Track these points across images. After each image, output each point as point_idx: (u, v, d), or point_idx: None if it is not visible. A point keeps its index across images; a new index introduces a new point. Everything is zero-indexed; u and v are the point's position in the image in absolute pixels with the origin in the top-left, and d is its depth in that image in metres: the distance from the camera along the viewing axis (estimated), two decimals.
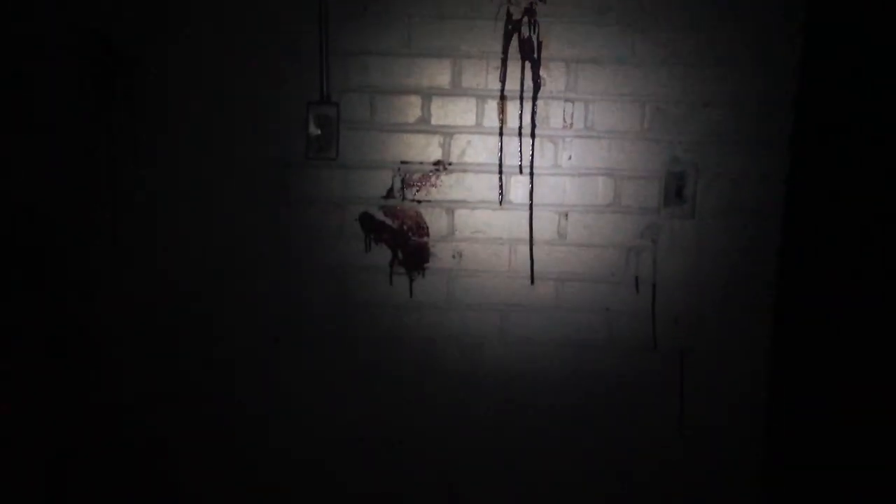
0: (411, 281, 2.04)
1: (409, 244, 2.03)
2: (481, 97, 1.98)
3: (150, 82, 1.95)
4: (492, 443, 2.08)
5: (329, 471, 2.09)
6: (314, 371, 2.06)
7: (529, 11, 1.95)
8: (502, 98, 1.98)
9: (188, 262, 2.02)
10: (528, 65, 1.97)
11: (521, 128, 1.99)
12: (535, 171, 2.00)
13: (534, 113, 1.98)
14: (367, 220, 2.03)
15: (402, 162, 2.01)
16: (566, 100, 1.98)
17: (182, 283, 2.03)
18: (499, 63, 1.97)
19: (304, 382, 2.07)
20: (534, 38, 1.96)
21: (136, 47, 1.94)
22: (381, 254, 2.04)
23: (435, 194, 2.02)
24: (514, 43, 1.97)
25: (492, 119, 1.99)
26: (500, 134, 1.99)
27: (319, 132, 1.96)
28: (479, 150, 2.00)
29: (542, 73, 1.97)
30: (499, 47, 1.97)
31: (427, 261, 2.04)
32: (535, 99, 1.98)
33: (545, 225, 2.01)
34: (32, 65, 1.93)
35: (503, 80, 1.98)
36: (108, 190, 1.98)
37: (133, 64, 1.94)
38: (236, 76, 1.96)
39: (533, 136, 1.99)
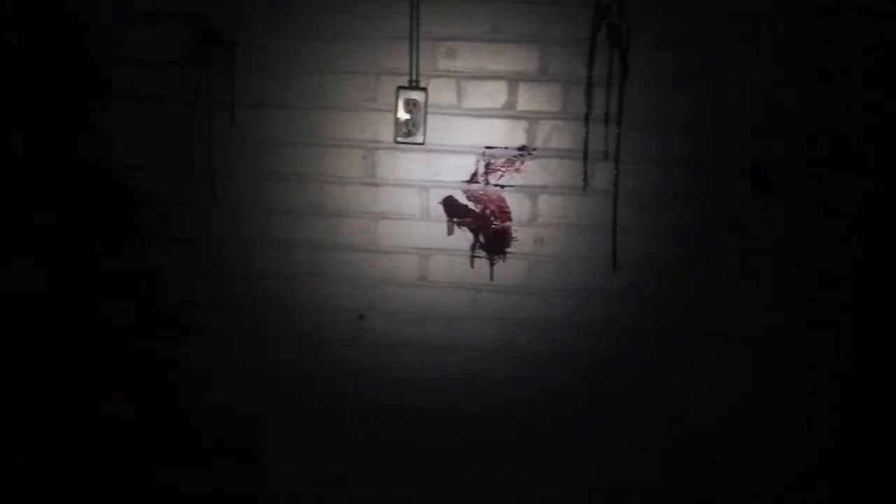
0: (492, 265, 2.08)
1: (490, 228, 2.06)
2: (568, 83, 1.99)
3: (248, 63, 2.03)
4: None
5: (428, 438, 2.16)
6: (395, 344, 2.12)
7: None
8: (589, 84, 1.98)
9: (274, 237, 2.10)
10: (616, 51, 1.96)
11: (607, 114, 1.98)
12: (620, 157, 1.99)
13: (621, 100, 1.97)
14: (450, 204, 2.07)
15: (487, 147, 2.03)
16: (654, 87, 1.96)
17: (272, 257, 2.11)
18: (586, 49, 1.97)
19: (387, 354, 2.13)
20: (623, 24, 1.95)
21: (238, 32, 2.02)
22: (463, 237, 2.07)
23: (518, 179, 2.04)
24: (603, 29, 1.96)
25: (578, 105, 1.99)
26: (587, 120, 1.99)
27: (408, 116, 2.00)
28: (564, 135, 2.01)
29: (629, 59, 1.96)
30: (587, 33, 1.97)
31: (508, 245, 2.07)
32: (622, 85, 1.97)
33: (628, 212, 2.01)
34: (141, 38, 2.04)
35: (590, 67, 1.98)
36: (207, 160, 2.07)
37: (233, 46, 2.02)
38: (329, 59, 2.01)
39: (620, 122, 1.98)
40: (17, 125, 2.09)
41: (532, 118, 2.01)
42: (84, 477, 2.22)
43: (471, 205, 2.06)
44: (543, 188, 2.03)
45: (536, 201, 2.04)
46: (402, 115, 2.00)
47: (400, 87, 2.00)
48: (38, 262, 2.14)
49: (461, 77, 2.01)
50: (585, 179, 2.02)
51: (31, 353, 2.18)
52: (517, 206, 2.05)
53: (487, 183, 2.05)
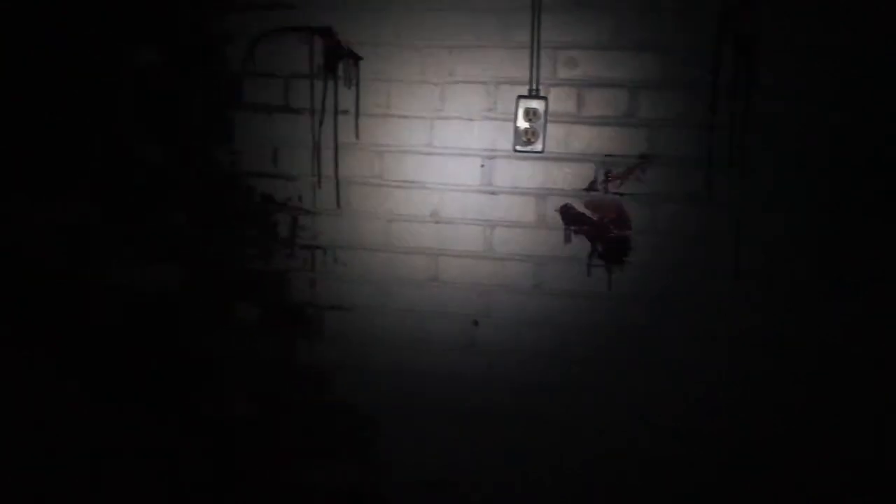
0: (610, 273, 2.07)
1: (609, 237, 2.06)
2: (691, 90, 1.96)
3: (372, 75, 2.10)
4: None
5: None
6: (508, 351, 2.14)
7: (746, 2, 1.90)
8: (714, 91, 1.95)
9: (395, 243, 2.16)
10: (742, 58, 1.93)
11: (732, 122, 1.95)
12: (745, 165, 1.95)
13: (747, 107, 1.93)
14: (567, 212, 2.07)
15: (606, 155, 2.03)
16: (779, 95, 1.91)
17: (392, 262, 2.17)
18: (710, 55, 1.94)
19: (501, 360, 2.15)
20: (750, 30, 1.91)
21: (363, 45, 2.09)
22: (580, 245, 2.08)
23: (638, 187, 2.02)
24: (728, 35, 1.93)
25: (701, 112, 1.96)
26: (711, 127, 1.96)
27: (528, 125, 2.02)
28: (686, 143, 1.98)
29: (756, 65, 1.91)
30: (711, 40, 1.94)
31: (627, 254, 2.05)
32: (748, 93, 1.93)
33: (753, 221, 1.97)
34: (272, 52, 2.14)
35: (715, 73, 1.94)
36: (333, 169, 2.16)
37: (359, 58, 2.09)
38: (450, 69, 2.06)
39: (744, 130, 1.94)
40: (155, 134, 2.23)
41: (654, 126, 1.99)
42: (204, 470, 2.34)
43: (588, 213, 2.06)
44: (664, 196, 2.01)
45: (657, 209, 2.02)
46: (522, 123, 2.02)
47: (520, 97, 2.02)
48: (175, 262, 2.28)
49: (581, 85, 2.02)
50: (708, 187, 1.98)
51: (165, 346, 2.32)
52: (636, 214, 2.04)
53: (606, 191, 2.04)
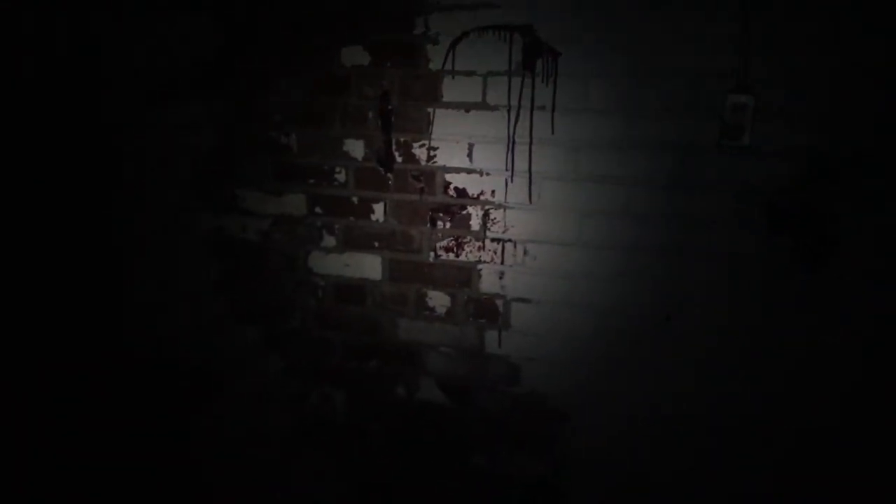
0: (813, 272, 1.99)
1: (812, 234, 1.97)
2: None
3: (570, 71, 2.12)
4: None
5: None
6: (699, 347, 2.11)
7: None
8: None
9: (586, 238, 2.18)
10: None
11: None
12: None
13: None
14: (769, 209, 2.01)
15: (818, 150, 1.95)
16: None
17: (583, 256, 2.19)
18: None
19: (693, 357, 2.13)
20: None
21: (561, 41, 2.12)
22: (782, 243, 2.01)
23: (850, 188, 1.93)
24: None
25: None
26: None
27: (734, 120, 1.97)
28: None
29: None
30: None
31: (833, 253, 1.96)
32: None
33: None
34: (470, 51, 2.21)
35: None
36: (526, 164, 2.21)
37: (558, 54, 2.13)
38: (651, 64, 2.05)
39: None
40: (358, 130, 2.37)
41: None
42: (398, 451, 2.47)
43: (792, 209, 1.99)
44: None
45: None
46: (729, 117, 1.98)
47: (729, 91, 1.98)
48: (374, 251, 2.41)
49: (795, 78, 1.94)
50: None
51: (368, 332, 2.46)
52: (847, 212, 1.94)
53: (814, 188, 1.96)
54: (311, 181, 2.46)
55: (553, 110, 2.16)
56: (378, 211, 2.40)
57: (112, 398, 2.77)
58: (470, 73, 2.23)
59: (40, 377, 2.60)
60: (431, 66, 2.26)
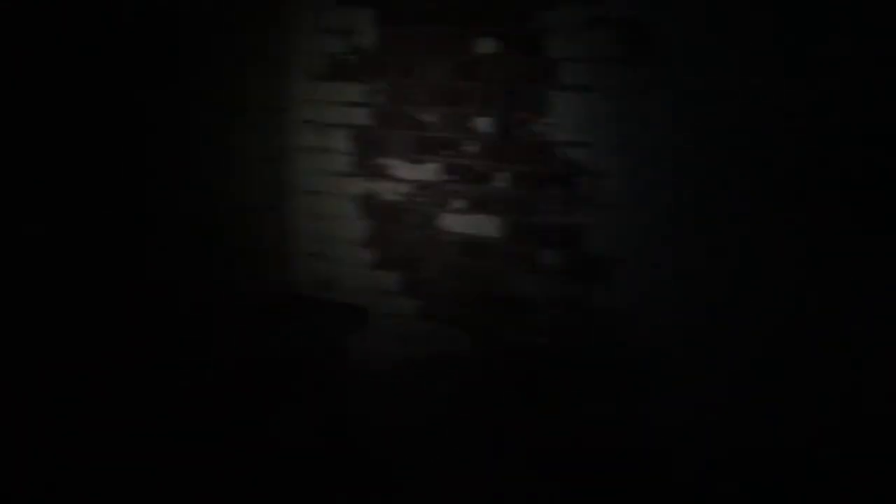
0: None
1: None
2: None
3: (677, 57, 2.39)
4: None
5: None
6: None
7: None
8: None
9: (671, 205, 2.45)
10: None
11: None
12: None
13: None
14: None
15: None
16: None
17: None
18: None
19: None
20: None
21: (667, 33, 2.39)
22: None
23: None
24: None
25: None
26: None
27: None
28: None
29: None
30: None
31: None
32: None
33: None
34: (587, 40, 2.54)
35: None
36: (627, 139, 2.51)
37: (661, 44, 2.41)
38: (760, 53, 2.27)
39: None
40: (489, 109, 2.77)
41: None
42: (520, 379, 2.88)
43: None
44: None
45: None
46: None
47: None
48: (496, 214, 2.83)
49: None
50: None
51: (482, 285, 2.88)
52: None
53: None
54: (446, 152, 2.90)
55: (661, 92, 2.44)
56: (499, 178, 2.80)
57: (282, 324, 3.40)
58: (583, 61, 2.55)
59: (218, 317, 3.25)
60: (550, 53, 2.61)
